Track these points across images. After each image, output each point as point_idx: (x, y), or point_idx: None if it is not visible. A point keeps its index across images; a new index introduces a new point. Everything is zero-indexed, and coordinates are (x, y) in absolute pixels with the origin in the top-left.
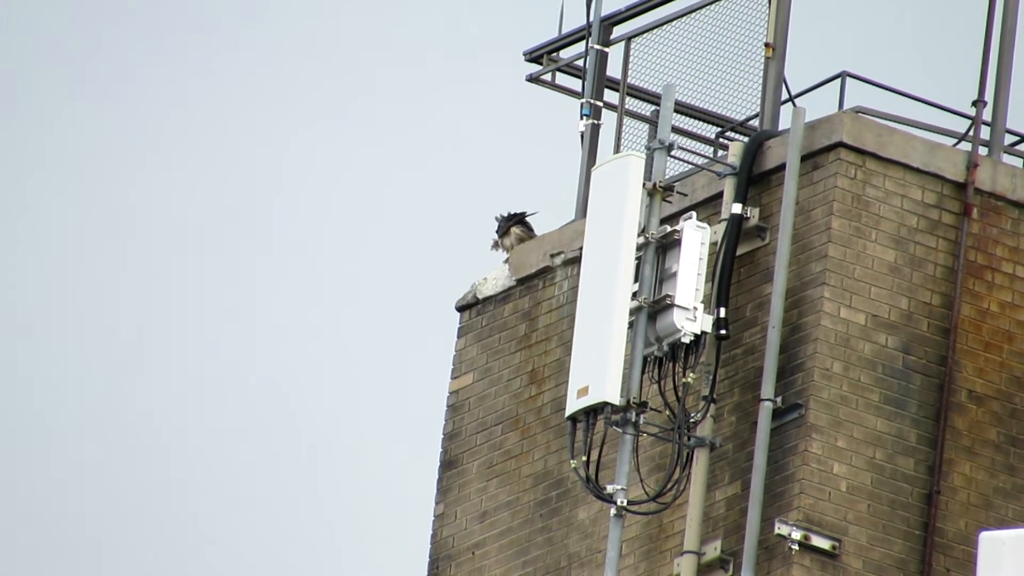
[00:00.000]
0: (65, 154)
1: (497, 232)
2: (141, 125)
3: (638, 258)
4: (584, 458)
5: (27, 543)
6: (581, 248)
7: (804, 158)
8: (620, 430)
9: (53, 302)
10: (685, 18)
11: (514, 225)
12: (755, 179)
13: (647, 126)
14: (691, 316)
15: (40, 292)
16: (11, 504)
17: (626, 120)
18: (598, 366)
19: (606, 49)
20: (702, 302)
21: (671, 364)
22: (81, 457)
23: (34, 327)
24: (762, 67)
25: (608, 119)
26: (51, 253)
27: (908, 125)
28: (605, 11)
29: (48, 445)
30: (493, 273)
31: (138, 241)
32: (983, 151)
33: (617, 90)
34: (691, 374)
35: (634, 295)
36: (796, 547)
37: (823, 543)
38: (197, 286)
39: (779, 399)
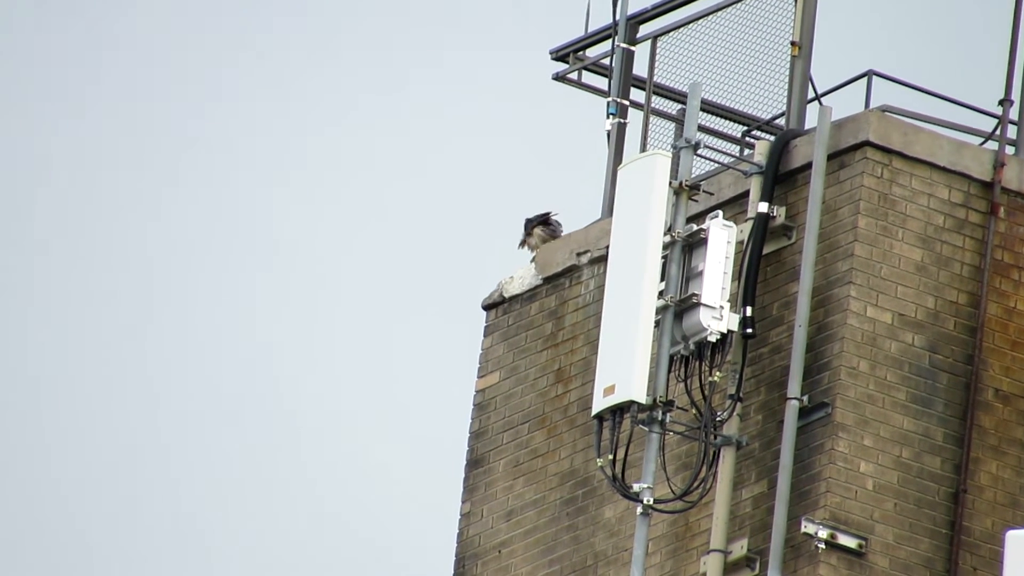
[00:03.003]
0: (69, 159)
1: (525, 229)
2: (150, 125)
3: (664, 257)
4: (610, 457)
5: (24, 542)
6: (607, 247)
7: (830, 157)
8: (646, 429)
9: (51, 301)
10: (711, 16)
11: (537, 226)
12: (781, 178)
13: (673, 125)
14: (717, 315)
15: (40, 292)
16: (10, 504)
17: (652, 119)
18: (624, 365)
19: (632, 48)
20: (728, 301)
21: (697, 363)
22: (81, 455)
23: (32, 324)
24: (788, 66)
25: (634, 118)
26: (52, 254)
27: (935, 124)
28: (631, 10)
29: (46, 442)
30: (519, 272)
31: (161, 238)
32: (1010, 150)
33: (643, 89)
34: (717, 373)
35: (660, 294)
36: (823, 546)
37: (849, 542)
38: (217, 284)
39: (805, 398)
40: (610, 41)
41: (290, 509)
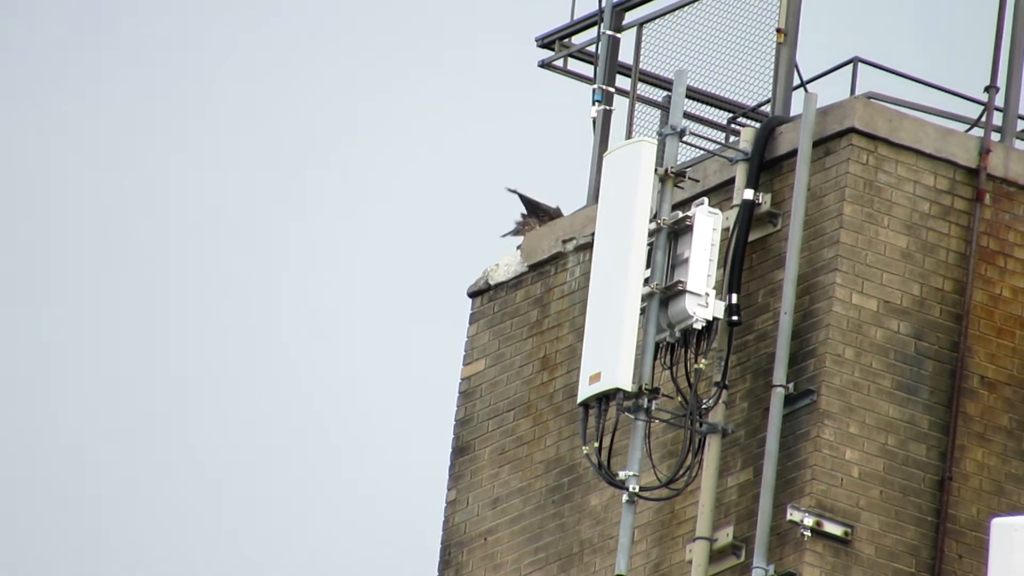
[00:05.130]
0: (75, 152)
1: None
2: (152, 123)
3: (650, 244)
4: (596, 444)
5: (49, 546)
6: (593, 234)
7: (816, 144)
8: (632, 416)
9: (67, 298)
10: (697, 3)
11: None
12: (767, 165)
13: (659, 112)
14: (703, 302)
15: (51, 288)
16: (38, 508)
17: (638, 106)
18: (610, 352)
19: (618, 35)
20: (714, 288)
21: (683, 350)
22: (104, 455)
23: (50, 322)
24: (774, 53)
25: (620, 105)
26: (68, 254)
27: (920, 111)
28: None
29: (60, 436)
30: (505, 259)
31: (152, 235)
32: (995, 137)
33: (629, 76)
34: (703, 360)
35: (646, 281)
36: (808, 533)
37: (835, 529)
38: (206, 278)
39: (791, 385)
40: (596, 28)
41: (276, 496)
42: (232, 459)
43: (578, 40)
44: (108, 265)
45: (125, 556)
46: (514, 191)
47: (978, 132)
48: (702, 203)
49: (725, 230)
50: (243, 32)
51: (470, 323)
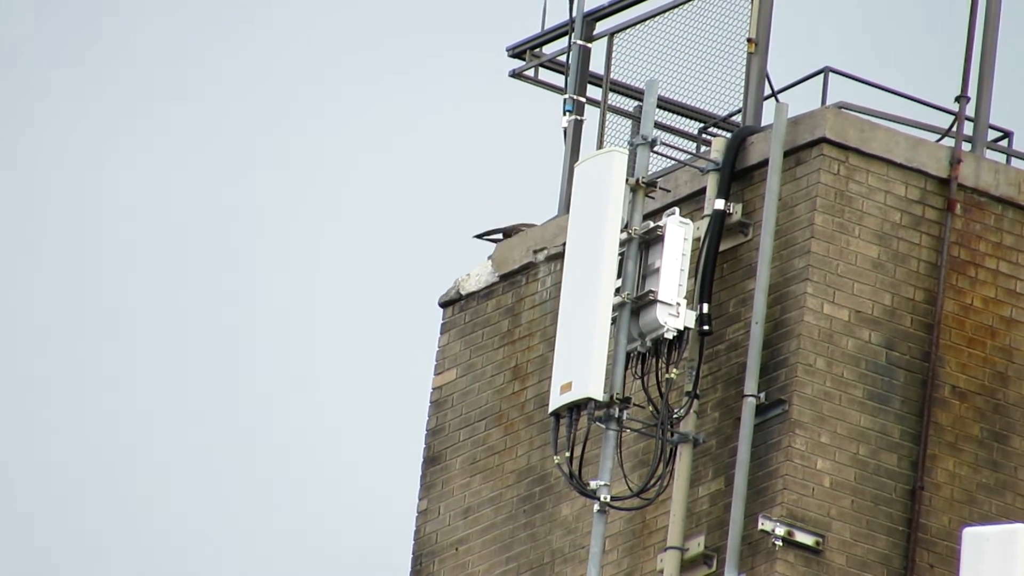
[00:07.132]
0: (41, 150)
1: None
2: (121, 118)
3: (621, 254)
4: (567, 454)
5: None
6: (564, 244)
7: (787, 154)
8: (603, 426)
9: (28, 299)
10: (668, 13)
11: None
12: (738, 175)
13: (630, 122)
14: (674, 312)
15: (16, 289)
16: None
17: (609, 116)
18: (581, 362)
19: (589, 45)
20: (685, 298)
21: (654, 360)
22: (68, 457)
23: (6, 325)
24: (745, 62)
25: (591, 115)
26: (27, 250)
27: (891, 121)
28: (588, 7)
29: (15, 448)
30: (476, 269)
31: (118, 238)
32: (966, 147)
33: (600, 86)
34: (674, 370)
35: (617, 291)
36: (779, 543)
37: (807, 539)
38: (177, 284)
39: (762, 395)
40: (567, 38)
41: (247, 505)
42: (196, 471)
43: (549, 50)
44: (80, 259)
45: None
46: (481, 236)
47: (949, 142)
48: (673, 213)
49: (696, 240)
50: (207, 48)
51: (441, 333)
